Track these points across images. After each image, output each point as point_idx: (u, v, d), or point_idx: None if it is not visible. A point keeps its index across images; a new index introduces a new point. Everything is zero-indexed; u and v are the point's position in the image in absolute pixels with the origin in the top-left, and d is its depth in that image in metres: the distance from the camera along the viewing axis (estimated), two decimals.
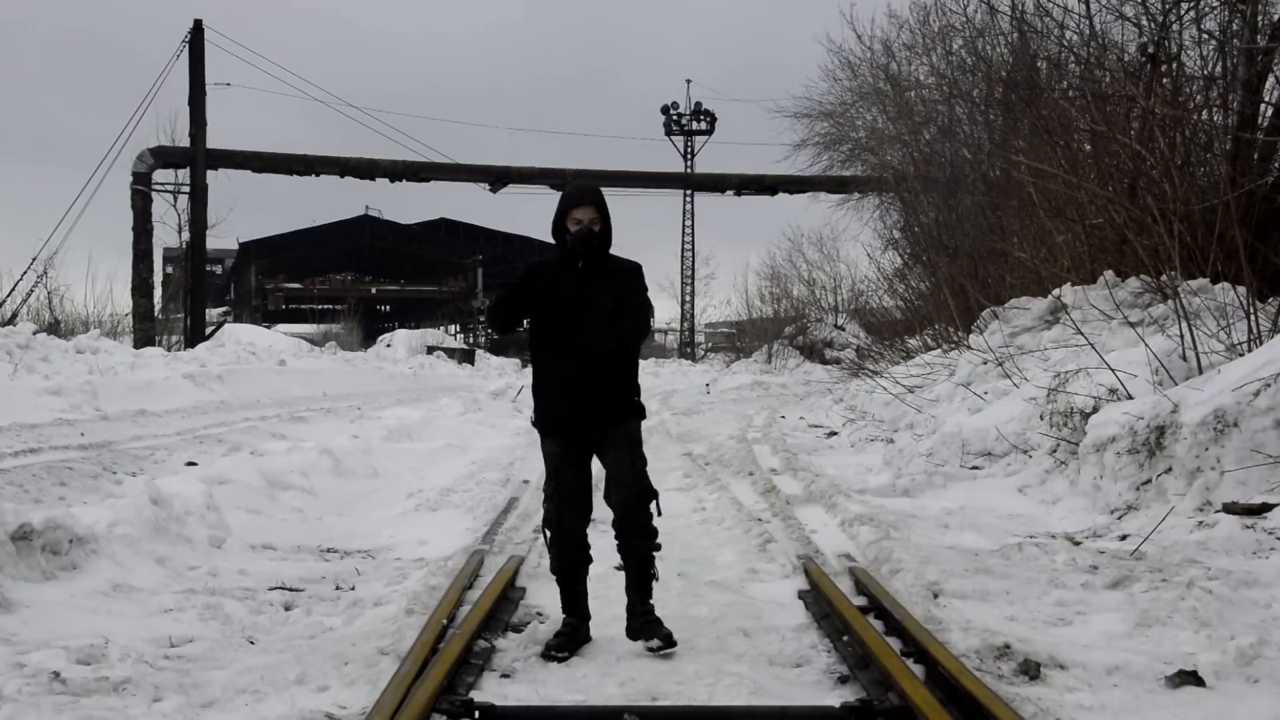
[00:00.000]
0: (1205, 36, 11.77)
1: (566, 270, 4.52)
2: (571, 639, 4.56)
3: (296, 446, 10.18)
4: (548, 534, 4.71)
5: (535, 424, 4.72)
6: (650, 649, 4.44)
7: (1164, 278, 9.91)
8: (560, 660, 4.41)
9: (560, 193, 4.67)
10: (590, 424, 4.56)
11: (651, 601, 4.62)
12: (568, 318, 4.50)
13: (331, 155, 39.59)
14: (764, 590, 5.62)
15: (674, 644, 4.44)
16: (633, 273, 4.62)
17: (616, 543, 4.67)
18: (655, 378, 35.67)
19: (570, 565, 4.68)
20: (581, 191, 4.55)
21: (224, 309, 59.09)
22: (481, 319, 63.27)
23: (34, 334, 18.70)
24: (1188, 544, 6.03)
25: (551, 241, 4.61)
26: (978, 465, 9.22)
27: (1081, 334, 9.70)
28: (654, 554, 4.66)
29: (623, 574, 4.75)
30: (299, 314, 61.91)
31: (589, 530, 4.76)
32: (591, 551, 4.77)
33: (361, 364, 30.30)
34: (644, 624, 4.53)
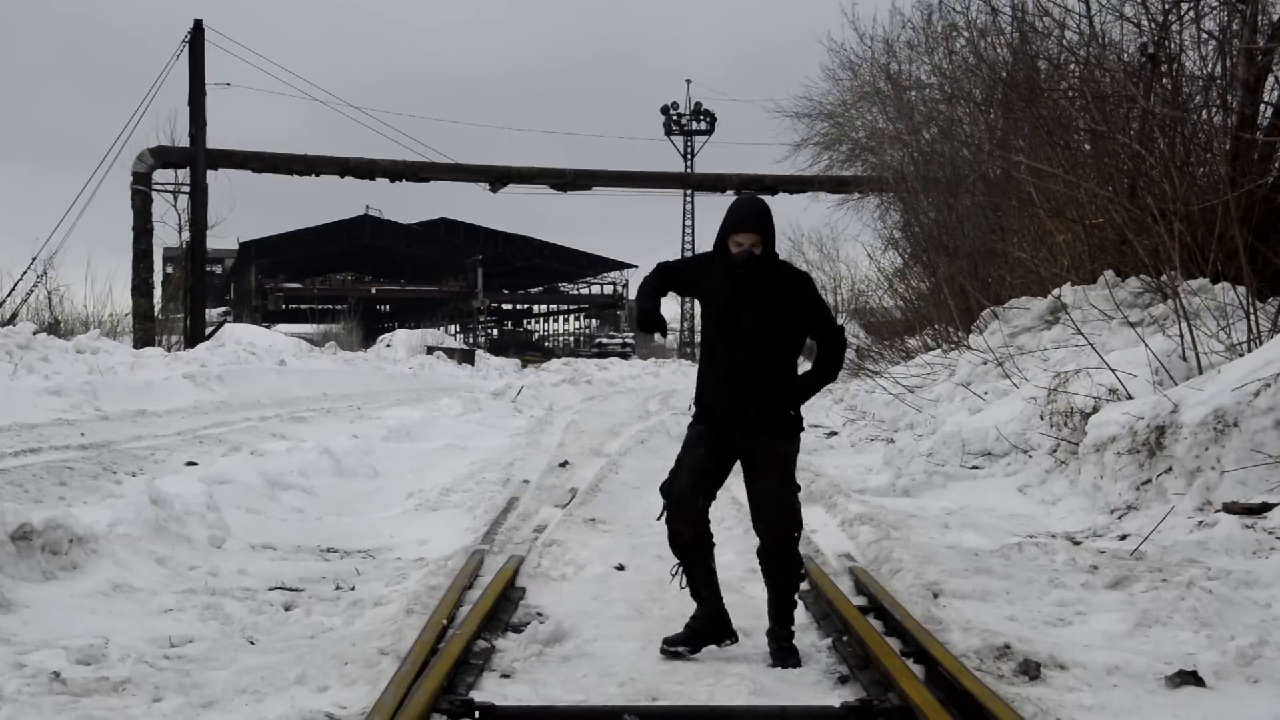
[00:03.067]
0: (1205, 36, 11.78)
1: (730, 277, 4.56)
2: (697, 632, 4.52)
3: (296, 446, 10.19)
4: (663, 508, 4.62)
5: (693, 415, 4.74)
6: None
7: (1164, 278, 9.90)
8: (676, 655, 4.42)
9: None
10: (737, 419, 4.55)
11: (792, 628, 4.57)
12: (731, 316, 4.56)
13: (332, 155, 39.58)
14: (764, 590, 5.60)
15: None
16: (800, 280, 4.68)
17: (761, 570, 4.63)
18: (655, 378, 35.66)
19: (678, 537, 4.57)
20: (743, 215, 4.56)
21: (224, 309, 59.08)
22: (483, 318, 63.33)
23: (34, 334, 18.70)
24: (1188, 544, 6.03)
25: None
26: (978, 465, 9.22)
27: (1081, 334, 9.69)
28: (799, 585, 4.63)
29: (622, 573, 4.75)
30: (299, 314, 61.91)
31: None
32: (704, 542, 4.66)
33: (361, 364, 30.27)
34: (777, 649, 4.47)
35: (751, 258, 4.48)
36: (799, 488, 4.70)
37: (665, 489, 4.62)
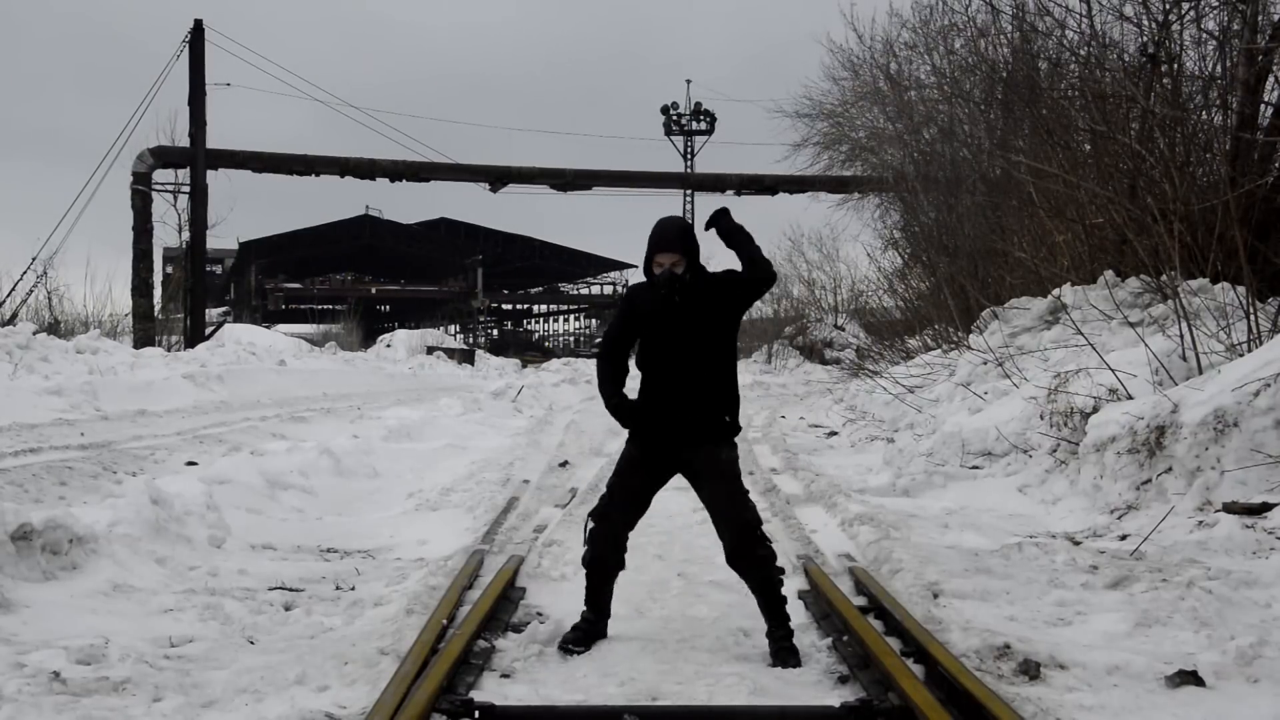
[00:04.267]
0: (1205, 36, 11.79)
1: (658, 299, 4.65)
2: (588, 634, 4.61)
3: (296, 446, 10.19)
4: (590, 525, 4.73)
5: (630, 431, 4.80)
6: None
7: (1164, 278, 9.90)
8: (576, 653, 4.46)
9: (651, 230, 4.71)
10: (676, 438, 4.62)
11: (790, 627, 4.56)
12: (661, 337, 4.65)
13: (332, 155, 39.55)
14: None
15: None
16: (724, 279, 4.71)
17: (737, 573, 4.66)
18: None
19: (602, 561, 4.71)
20: (664, 235, 4.65)
21: (224, 309, 59.06)
22: (483, 318, 63.33)
23: (34, 334, 18.69)
24: (1188, 544, 6.03)
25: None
26: (978, 465, 9.22)
27: (1081, 334, 9.70)
28: (780, 579, 4.62)
29: (622, 573, 4.76)
30: (299, 314, 61.91)
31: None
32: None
33: (361, 364, 30.27)
34: (777, 650, 4.47)
35: (673, 277, 4.58)
36: (747, 490, 4.74)
37: (596, 515, 4.72)
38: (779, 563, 4.66)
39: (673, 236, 4.63)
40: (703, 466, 4.63)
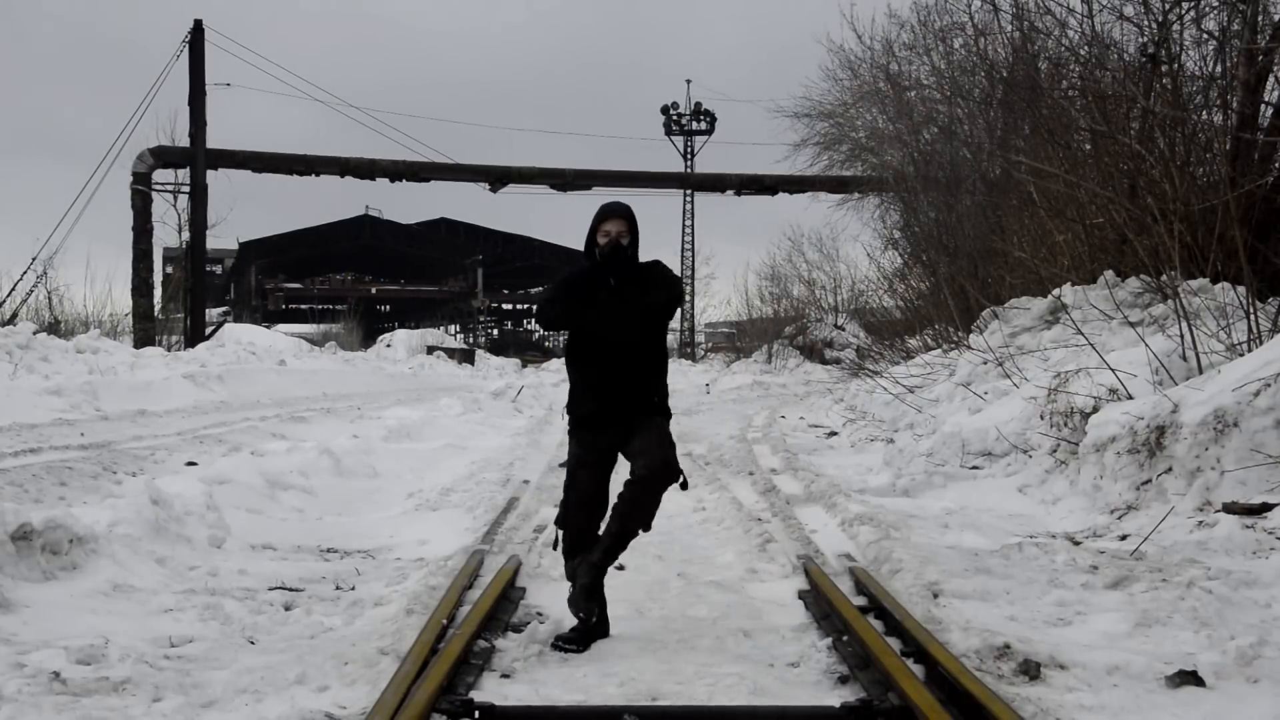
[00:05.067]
0: (1205, 36, 11.78)
1: (598, 279, 4.70)
2: (585, 634, 4.62)
3: (296, 446, 10.19)
4: (559, 533, 4.82)
5: (569, 429, 4.87)
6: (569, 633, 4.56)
7: (1164, 278, 9.90)
8: (569, 652, 4.48)
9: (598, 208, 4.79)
10: (614, 421, 4.69)
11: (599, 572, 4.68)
12: (598, 321, 4.69)
13: (332, 155, 39.59)
14: (764, 590, 5.62)
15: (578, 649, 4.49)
16: (659, 275, 4.79)
17: (618, 504, 4.68)
18: None
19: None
20: (612, 207, 4.75)
21: (224, 309, 59.06)
22: (483, 318, 63.34)
23: (34, 334, 18.71)
24: (1188, 544, 6.03)
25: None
26: (978, 465, 9.22)
27: (1081, 334, 9.70)
28: (637, 533, 4.70)
29: (622, 573, 4.76)
30: (299, 314, 61.88)
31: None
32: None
33: (361, 364, 30.29)
34: (578, 590, 4.62)
35: (619, 246, 4.63)
36: (674, 446, 4.77)
37: (560, 522, 4.80)
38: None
39: (618, 207, 4.72)
40: (636, 428, 4.67)
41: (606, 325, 4.68)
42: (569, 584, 4.79)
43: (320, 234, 58.67)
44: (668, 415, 4.82)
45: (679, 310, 4.84)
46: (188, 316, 36.29)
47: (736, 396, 24.04)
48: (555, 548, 4.86)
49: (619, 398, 4.69)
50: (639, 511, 4.66)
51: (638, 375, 4.71)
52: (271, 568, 6.18)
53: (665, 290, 4.75)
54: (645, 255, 4.80)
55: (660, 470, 4.61)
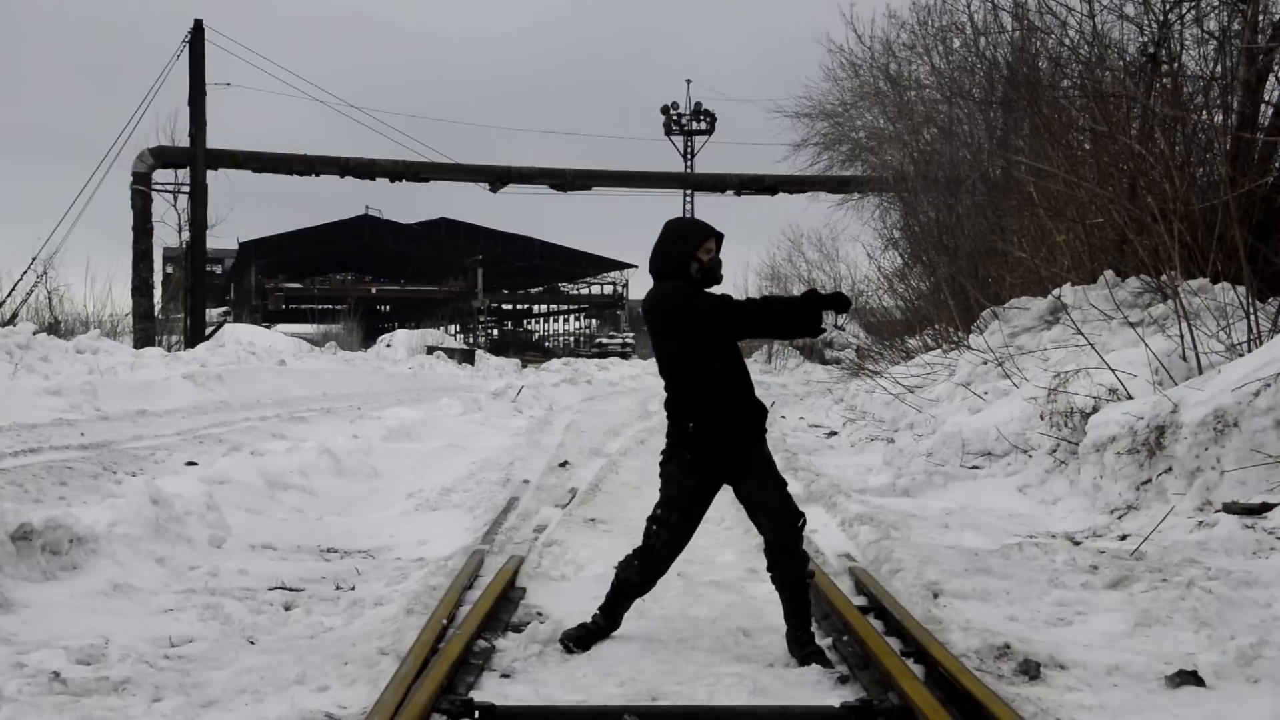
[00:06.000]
0: (1206, 36, 11.78)
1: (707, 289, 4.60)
2: (591, 635, 4.59)
3: (296, 446, 10.18)
4: (642, 556, 4.66)
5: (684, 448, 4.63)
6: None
7: (1164, 278, 9.90)
8: (574, 652, 4.46)
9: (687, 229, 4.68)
10: (731, 447, 4.54)
11: (813, 630, 4.51)
12: (710, 339, 4.53)
13: (331, 155, 39.56)
14: (764, 590, 5.59)
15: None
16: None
17: (770, 573, 4.55)
18: (656, 378, 35.59)
19: (643, 590, 4.73)
20: (708, 226, 4.65)
21: (224, 309, 59.05)
22: (483, 318, 63.33)
23: (34, 334, 18.69)
24: (1188, 544, 6.03)
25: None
26: (978, 465, 9.22)
27: (1081, 334, 9.69)
28: (809, 581, 4.55)
29: None
30: (299, 314, 61.91)
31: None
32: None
33: (361, 364, 30.26)
34: (806, 655, 4.39)
35: (719, 263, 4.58)
36: (786, 483, 4.67)
37: (652, 551, 4.64)
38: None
39: (709, 225, 4.63)
40: (747, 465, 4.54)
41: (722, 343, 4.55)
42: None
43: (320, 234, 58.70)
44: (763, 435, 4.67)
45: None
46: (188, 316, 36.28)
47: None
48: (634, 563, 4.69)
49: (737, 421, 4.54)
50: (792, 571, 4.49)
51: (750, 393, 4.59)
52: (271, 568, 6.18)
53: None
54: (646, 256, 4.71)
55: (788, 531, 4.48)
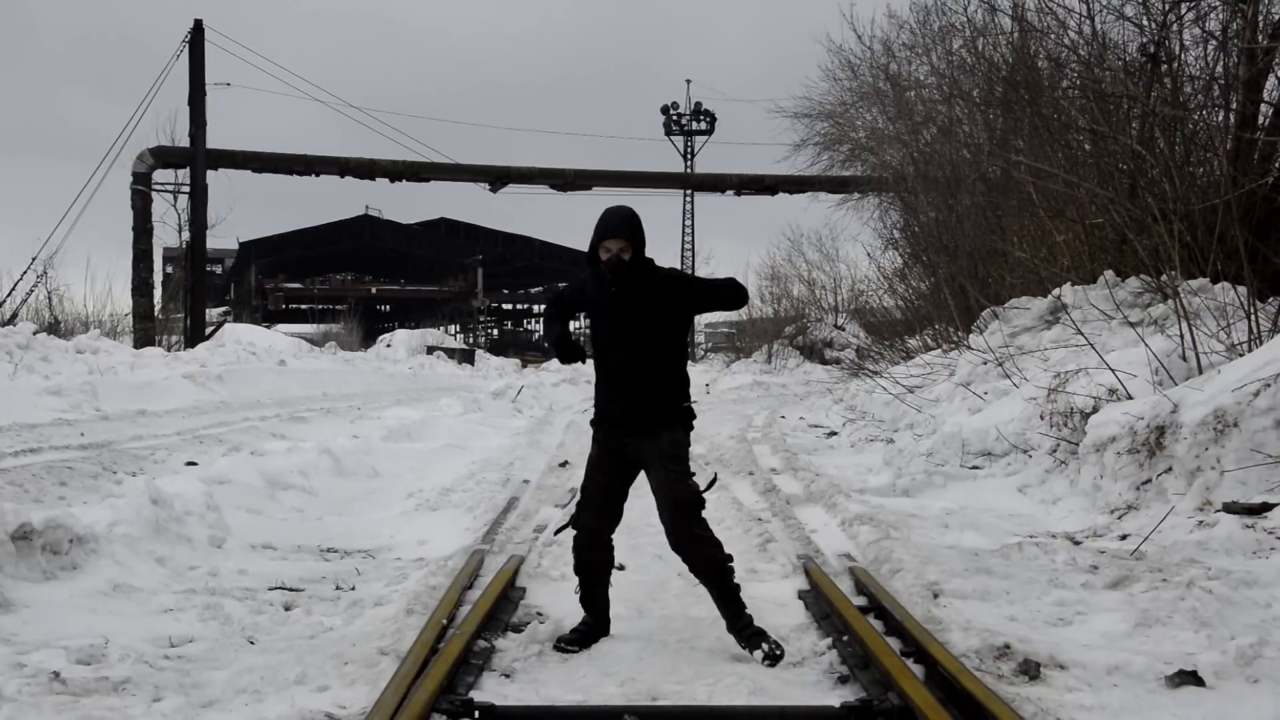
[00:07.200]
0: (1206, 36, 11.78)
1: (603, 287, 4.69)
2: (585, 635, 4.61)
3: (296, 446, 10.19)
4: (571, 531, 4.80)
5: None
6: (761, 663, 4.37)
7: (1164, 278, 9.90)
8: (569, 653, 4.47)
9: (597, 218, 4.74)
10: (621, 425, 4.67)
11: (748, 613, 4.56)
12: (606, 328, 4.72)
13: (331, 155, 39.57)
14: (764, 590, 5.61)
15: (780, 655, 4.38)
16: (675, 280, 4.76)
17: (680, 556, 4.67)
18: None
19: (587, 565, 4.73)
20: (610, 222, 4.67)
21: (224, 309, 59.04)
22: (483, 318, 63.38)
23: (34, 334, 18.70)
24: (1188, 544, 6.03)
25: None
26: (978, 465, 9.22)
27: (1081, 334, 9.69)
28: (728, 564, 4.62)
29: (622, 573, 4.77)
30: (299, 314, 61.89)
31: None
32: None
33: (361, 364, 30.28)
34: (750, 636, 4.46)
35: (620, 263, 4.60)
36: (693, 472, 4.71)
37: (573, 521, 4.78)
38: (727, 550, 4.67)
39: (618, 224, 4.66)
40: (648, 455, 4.63)
41: (613, 331, 4.69)
42: (574, 582, 4.79)
43: (320, 234, 58.68)
44: (687, 425, 4.73)
45: (706, 299, 4.79)
46: (188, 316, 36.29)
47: (736, 396, 24.02)
48: (556, 533, 4.85)
49: (623, 403, 4.67)
50: (694, 553, 4.62)
51: (648, 382, 4.65)
52: (271, 568, 6.18)
53: (689, 291, 4.73)
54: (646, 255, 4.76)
55: (676, 519, 4.58)
